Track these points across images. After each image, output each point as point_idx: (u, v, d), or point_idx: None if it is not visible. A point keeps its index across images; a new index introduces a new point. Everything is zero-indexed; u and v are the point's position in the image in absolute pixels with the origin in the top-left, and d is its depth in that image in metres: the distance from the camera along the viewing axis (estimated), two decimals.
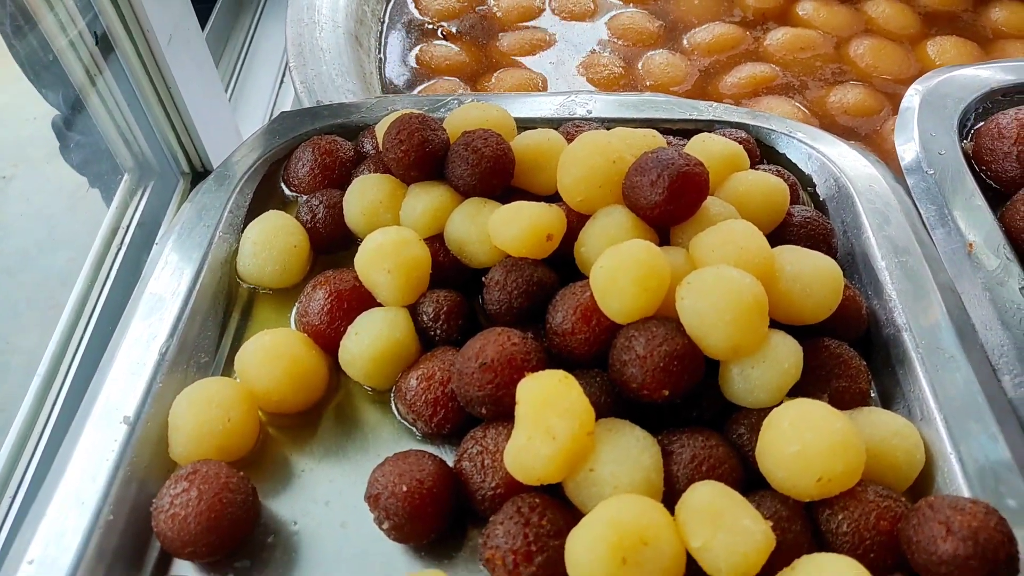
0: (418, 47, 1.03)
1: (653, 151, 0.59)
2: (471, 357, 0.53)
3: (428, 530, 0.50)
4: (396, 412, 0.58)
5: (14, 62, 0.92)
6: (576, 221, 0.62)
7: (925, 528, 0.43)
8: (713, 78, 0.99)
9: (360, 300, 0.61)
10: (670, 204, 0.57)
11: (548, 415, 0.48)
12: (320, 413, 0.59)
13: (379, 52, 1.02)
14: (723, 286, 0.51)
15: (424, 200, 0.64)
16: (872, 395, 0.57)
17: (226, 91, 1.11)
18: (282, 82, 1.13)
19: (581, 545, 0.44)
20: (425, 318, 0.60)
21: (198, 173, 0.96)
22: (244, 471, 0.53)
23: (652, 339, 0.51)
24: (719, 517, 0.44)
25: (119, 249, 0.90)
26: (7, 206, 1.00)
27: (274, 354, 0.57)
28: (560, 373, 0.50)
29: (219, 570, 0.51)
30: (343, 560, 0.51)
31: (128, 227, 0.92)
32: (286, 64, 0.97)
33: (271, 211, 0.67)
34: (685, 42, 1.04)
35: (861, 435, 0.48)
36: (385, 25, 1.06)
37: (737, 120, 0.74)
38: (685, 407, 0.53)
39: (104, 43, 0.82)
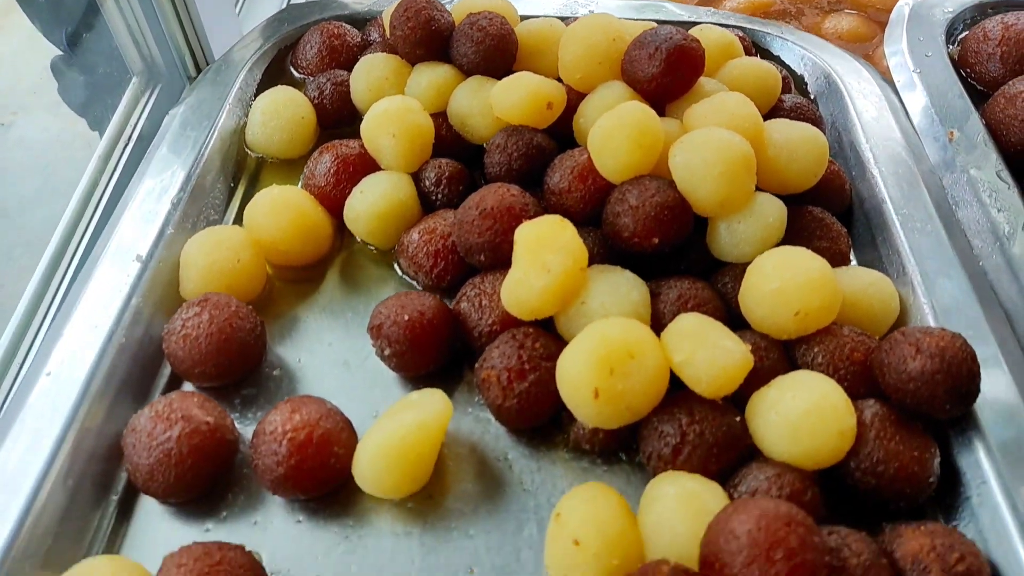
0: None
1: (652, 29, 0.61)
2: (471, 206, 0.56)
3: (427, 360, 0.53)
4: (398, 268, 0.61)
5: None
6: (575, 99, 0.64)
7: (896, 350, 0.46)
8: (713, 2, 1.01)
9: (365, 165, 0.63)
10: (667, 77, 0.60)
11: (543, 252, 0.51)
12: (324, 269, 0.62)
13: None
14: (714, 143, 0.54)
15: (428, 76, 0.66)
16: (852, 262, 0.60)
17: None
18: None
19: (572, 359, 0.47)
20: (427, 183, 0.62)
21: None
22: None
23: (645, 191, 0.54)
24: (701, 336, 0.47)
25: (124, 149, 0.92)
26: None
27: (282, 205, 0.59)
28: (556, 217, 0.52)
29: (227, 397, 0.53)
30: (344, 392, 0.54)
31: (135, 128, 0.94)
32: None
33: (280, 86, 0.69)
34: None
35: (838, 280, 0.51)
36: None
37: (733, 23, 0.77)
38: (674, 260, 0.56)
39: None
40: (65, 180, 0.98)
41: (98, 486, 0.49)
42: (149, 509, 0.49)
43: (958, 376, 0.45)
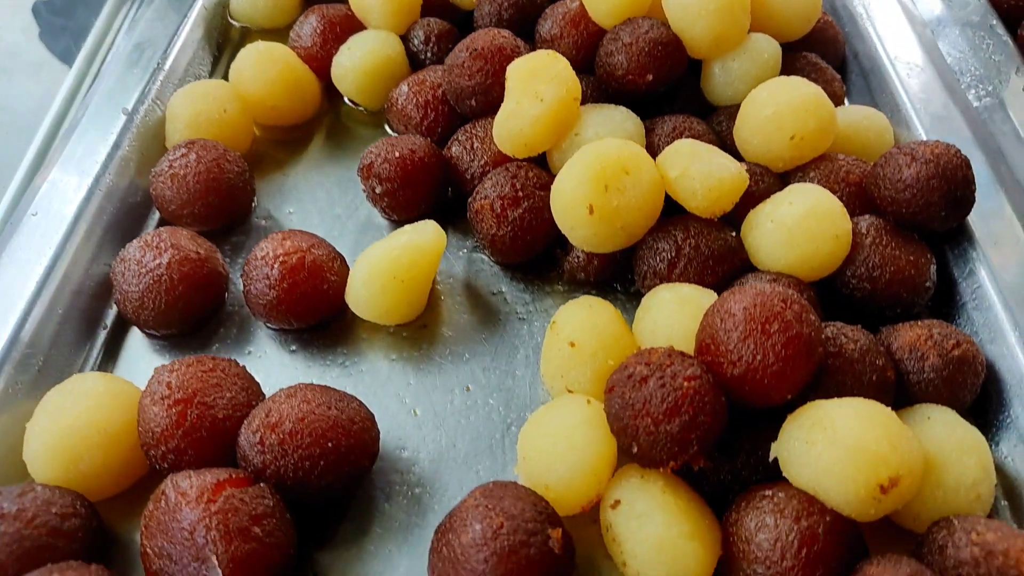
0: None
1: None
2: (462, 49, 0.55)
3: (418, 198, 0.52)
4: (387, 127, 0.60)
5: None
6: None
7: (891, 161, 0.46)
8: None
9: (352, 26, 0.62)
10: None
11: (536, 82, 0.50)
12: (312, 131, 0.61)
13: None
14: None
15: None
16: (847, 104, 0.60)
17: None
18: None
19: (566, 177, 0.46)
20: (416, 42, 0.61)
21: None
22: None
23: (638, 29, 0.53)
24: (697, 155, 0.46)
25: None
26: None
27: (268, 60, 0.58)
28: (548, 51, 0.52)
29: (216, 242, 0.53)
30: (334, 240, 0.52)
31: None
32: None
33: None
34: None
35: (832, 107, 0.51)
36: None
37: None
38: (667, 102, 0.55)
39: None
40: None
41: (87, 320, 0.48)
42: (139, 344, 0.48)
43: (953, 181, 0.44)
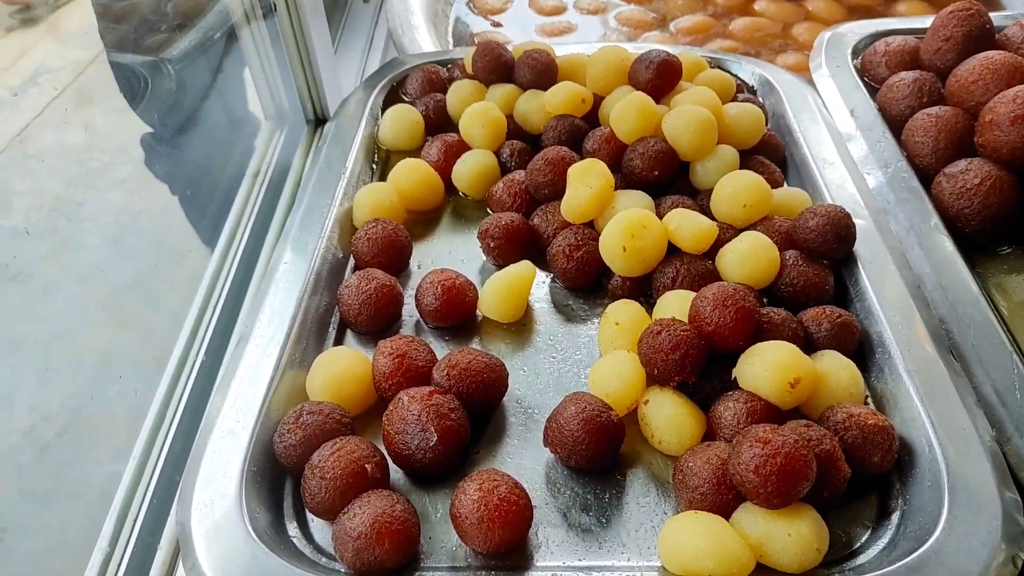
0: (473, 32, 1.41)
1: (648, 51, 0.95)
2: (538, 159, 0.88)
3: (516, 251, 0.84)
4: (489, 210, 0.93)
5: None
6: (599, 97, 0.97)
7: (804, 216, 0.77)
8: None
9: (462, 147, 0.96)
10: (658, 80, 0.93)
11: (586, 177, 0.83)
12: (440, 213, 0.94)
13: (447, 35, 1.40)
14: (690, 113, 0.86)
15: (500, 91, 1.00)
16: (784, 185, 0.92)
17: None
18: (369, 52, 1.50)
19: (608, 230, 0.78)
20: (504, 156, 0.95)
21: (320, 120, 1.32)
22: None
23: (647, 144, 0.86)
24: (687, 216, 0.78)
25: (262, 186, 1.23)
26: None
27: (414, 168, 0.92)
28: (594, 160, 0.85)
29: None
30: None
31: (269, 166, 1.27)
32: (371, 36, 1.33)
33: (399, 104, 1.03)
34: (672, 27, 1.42)
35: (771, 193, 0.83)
36: (451, 19, 1.44)
37: (703, 54, 1.11)
38: (668, 188, 0.88)
39: (267, 10, 1.18)
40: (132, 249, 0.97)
41: (324, 323, 0.79)
42: (351, 338, 0.79)
43: (840, 227, 0.75)
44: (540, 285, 0.84)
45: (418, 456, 0.64)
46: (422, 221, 0.93)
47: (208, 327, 0.92)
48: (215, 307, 0.95)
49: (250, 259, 1.01)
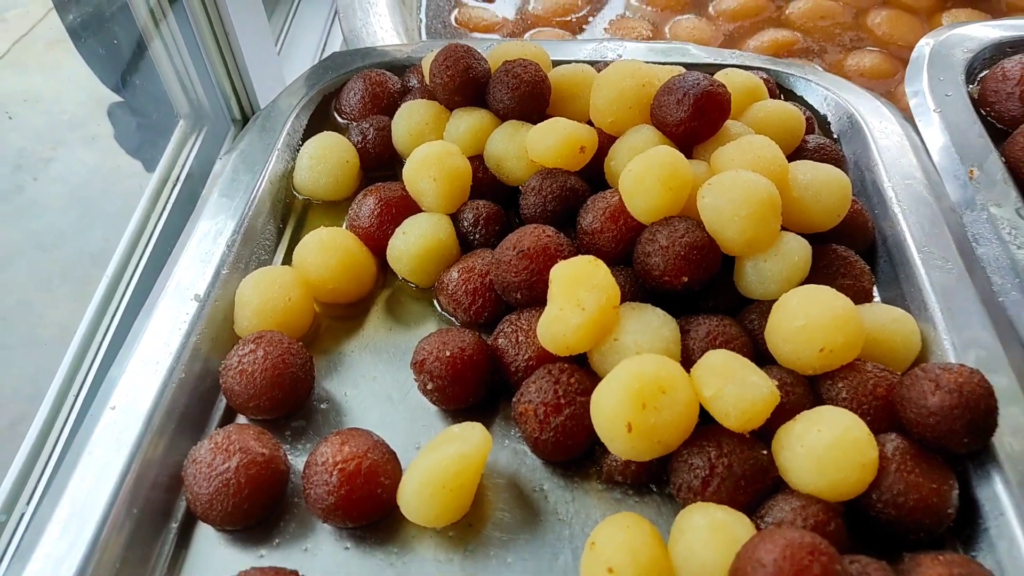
0: (456, 9, 1.09)
1: (680, 75, 0.64)
2: (509, 247, 0.59)
3: (467, 394, 0.56)
4: (437, 305, 0.64)
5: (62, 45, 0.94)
6: (607, 142, 0.67)
7: (916, 386, 0.48)
8: (737, 42, 1.04)
9: (406, 207, 0.67)
10: (694, 121, 0.63)
11: (578, 290, 0.53)
12: (368, 306, 0.65)
13: (419, 12, 1.08)
14: (741, 185, 0.56)
15: (467, 121, 0.70)
16: (876, 298, 0.62)
17: (275, 46, 1.17)
18: (325, 45, 1.19)
19: (605, 394, 0.49)
20: (466, 223, 0.66)
21: (248, 120, 1.03)
22: None
23: (674, 232, 0.57)
24: (730, 373, 0.49)
25: (173, 189, 0.96)
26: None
27: (330, 246, 0.63)
28: (589, 257, 0.55)
29: (278, 429, 0.57)
30: (388, 424, 0.57)
31: (183, 169, 0.99)
32: (328, 27, 1.04)
33: (326, 131, 0.73)
34: (711, 9, 1.10)
35: (862, 316, 0.53)
36: None
37: (758, 65, 0.80)
38: (702, 297, 0.59)
39: None
40: (104, 214, 1.00)
41: (160, 514, 0.52)
42: (206, 536, 0.52)
43: (976, 411, 0.47)
44: (501, 444, 0.56)
45: None
46: (341, 318, 0.64)
47: None
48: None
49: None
